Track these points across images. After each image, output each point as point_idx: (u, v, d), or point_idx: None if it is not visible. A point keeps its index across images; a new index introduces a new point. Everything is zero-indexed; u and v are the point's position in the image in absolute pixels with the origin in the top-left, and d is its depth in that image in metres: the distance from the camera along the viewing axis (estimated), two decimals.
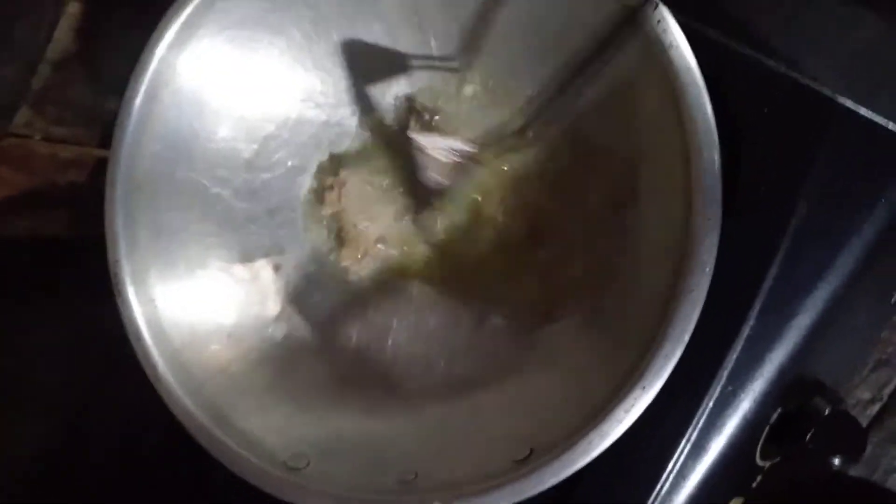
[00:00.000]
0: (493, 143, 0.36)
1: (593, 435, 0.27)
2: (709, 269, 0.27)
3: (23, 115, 0.44)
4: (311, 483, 0.30)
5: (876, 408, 0.53)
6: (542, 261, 0.35)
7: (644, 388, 0.27)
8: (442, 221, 0.38)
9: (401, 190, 0.38)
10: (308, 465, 0.31)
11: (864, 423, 0.53)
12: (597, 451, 0.27)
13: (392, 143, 0.38)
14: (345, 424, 0.34)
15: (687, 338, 0.27)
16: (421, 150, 0.35)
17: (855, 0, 0.37)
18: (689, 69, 0.28)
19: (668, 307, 0.27)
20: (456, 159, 0.35)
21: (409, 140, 0.35)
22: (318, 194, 0.38)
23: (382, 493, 0.29)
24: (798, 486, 0.49)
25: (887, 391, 0.53)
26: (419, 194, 0.38)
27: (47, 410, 0.48)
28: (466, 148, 0.36)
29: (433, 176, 0.35)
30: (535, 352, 0.33)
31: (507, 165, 0.36)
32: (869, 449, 0.53)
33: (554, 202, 0.35)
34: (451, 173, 0.36)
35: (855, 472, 0.52)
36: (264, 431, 0.32)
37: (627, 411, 0.27)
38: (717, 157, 0.27)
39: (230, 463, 0.31)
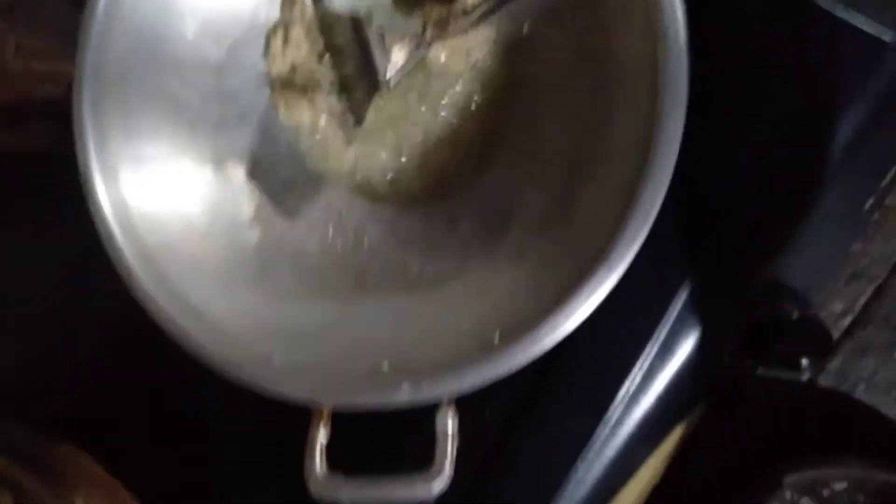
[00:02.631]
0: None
1: (559, 316, 0.28)
2: (674, 147, 0.27)
3: None
4: (285, 373, 0.31)
5: (847, 320, 0.54)
6: (504, 158, 0.36)
7: (610, 268, 0.27)
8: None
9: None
10: (282, 356, 0.32)
11: (836, 335, 0.54)
12: (563, 332, 0.28)
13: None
14: (318, 319, 0.34)
15: (652, 218, 0.28)
16: (380, 35, 0.34)
17: None
18: None
19: (633, 192, 0.27)
20: (412, 47, 0.35)
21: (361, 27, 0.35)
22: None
23: (355, 378, 0.30)
24: (769, 394, 0.51)
25: (859, 304, 0.54)
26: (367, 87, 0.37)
27: (19, 328, 0.48)
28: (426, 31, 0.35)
29: (389, 61, 0.35)
30: (505, 245, 0.34)
31: (466, 55, 0.36)
32: (839, 360, 0.54)
33: (517, 94, 0.35)
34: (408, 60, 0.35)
35: (825, 382, 0.54)
36: (240, 328, 0.33)
37: (593, 292, 0.27)
38: (683, 34, 0.27)
39: (205, 357, 0.32)
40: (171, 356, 0.35)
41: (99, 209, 0.33)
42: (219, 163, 0.37)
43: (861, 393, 0.54)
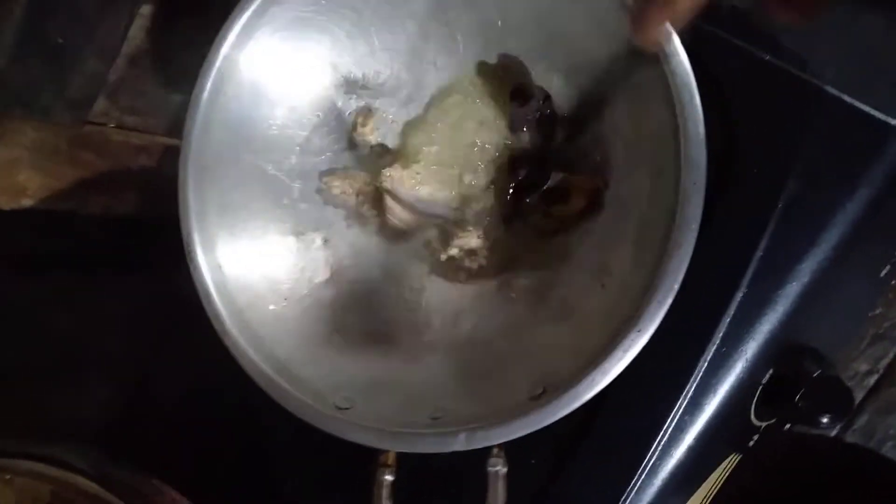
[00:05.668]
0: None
1: (596, 373, 0.32)
2: (694, 226, 0.31)
3: (100, 105, 0.50)
4: (358, 420, 0.35)
5: (873, 379, 0.56)
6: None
7: (640, 331, 0.31)
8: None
9: None
10: (353, 406, 0.36)
11: (862, 394, 0.56)
12: (599, 387, 0.32)
13: None
14: (384, 372, 0.39)
15: (677, 287, 0.31)
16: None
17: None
18: (676, 53, 0.32)
19: (659, 261, 0.31)
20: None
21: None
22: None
23: (417, 427, 0.34)
24: (795, 448, 0.53)
25: (884, 363, 0.56)
26: None
27: (111, 375, 0.53)
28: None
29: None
30: (548, 307, 0.38)
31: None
32: (865, 418, 0.56)
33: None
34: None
35: (852, 438, 0.56)
36: (317, 378, 0.38)
37: (625, 352, 0.31)
38: (701, 129, 0.31)
39: (288, 404, 0.36)
40: (245, 402, 0.39)
41: (199, 273, 0.39)
42: (300, 233, 0.43)
43: (888, 450, 0.56)
